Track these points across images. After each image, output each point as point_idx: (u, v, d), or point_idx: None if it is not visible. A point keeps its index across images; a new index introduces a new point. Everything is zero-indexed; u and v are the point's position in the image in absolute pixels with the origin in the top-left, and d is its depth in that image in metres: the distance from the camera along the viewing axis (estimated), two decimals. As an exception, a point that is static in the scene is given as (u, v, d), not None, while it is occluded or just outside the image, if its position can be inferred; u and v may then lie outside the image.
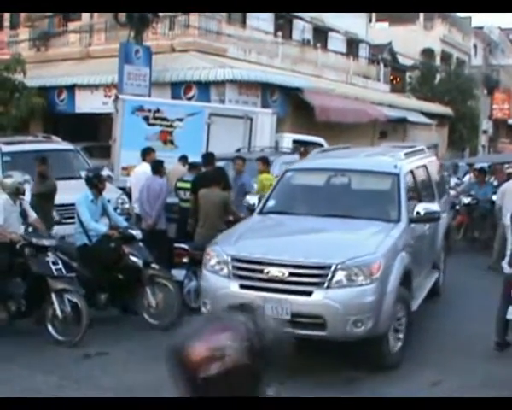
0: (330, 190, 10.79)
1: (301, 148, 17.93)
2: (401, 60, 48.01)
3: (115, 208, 12.86)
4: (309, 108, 27.33)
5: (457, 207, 18.37)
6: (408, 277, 8.99)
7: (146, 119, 19.15)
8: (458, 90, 46.21)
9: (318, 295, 8.01)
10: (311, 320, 8.09)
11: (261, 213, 10.31)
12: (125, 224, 11.35)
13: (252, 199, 11.01)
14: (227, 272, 8.54)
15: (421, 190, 11.25)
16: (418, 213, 9.63)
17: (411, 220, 9.57)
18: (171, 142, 19.11)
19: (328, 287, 8.01)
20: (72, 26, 31.48)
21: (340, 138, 24.76)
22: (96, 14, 30.29)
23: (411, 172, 10.72)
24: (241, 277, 8.49)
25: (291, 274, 8.16)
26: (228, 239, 9.38)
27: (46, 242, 9.86)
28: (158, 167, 13.14)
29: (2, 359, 8.67)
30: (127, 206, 14.52)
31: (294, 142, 20.45)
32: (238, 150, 17.38)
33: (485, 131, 55.67)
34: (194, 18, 27.42)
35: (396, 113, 35.65)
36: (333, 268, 8.05)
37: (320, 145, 20.13)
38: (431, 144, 24.97)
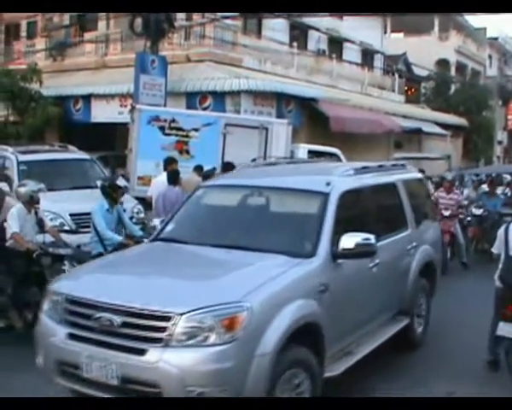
0: (242, 212, 8.73)
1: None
2: (416, 70, 47.93)
3: (130, 218, 12.86)
4: (324, 118, 27.30)
5: (469, 218, 17.91)
6: (313, 333, 6.87)
7: (162, 129, 19.18)
8: (473, 100, 46.06)
9: (153, 356, 6.00)
10: (143, 388, 6.11)
11: (155, 239, 8.50)
12: (140, 233, 11.37)
13: (156, 221, 9.51)
14: (58, 315, 6.79)
15: (379, 216, 8.97)
16: (346, 245, 7.33)
17: (336, 256, 7.36)
18: (187, 152, 19.13)
19: (166, 345, 6.00)
20: (88, 36, 31.66)
21: (355, 149, 24.81)
22: (112, 24, 30.44)
23: (356, 192, 8.57)
24: (71, 323, 6.64)
25: (124, 324, 6.23)
26: (75, 273, 8.09)
27: (62, 251, 9.91)
28: (174, 177, 13.22)
29: (17, 368, 8.70)
30: (142, 215, 14.54)
31: (310, 152, 20.36)
32: (253, 160, 17.37)
33: (500, 142, 55.53)
34: (209, 28, 27.50)
35: (411, 123, 35.52)
36: (174, 319, 6.01)
37: (335, 156, 20.08)
38: (444, 155, 24.88)
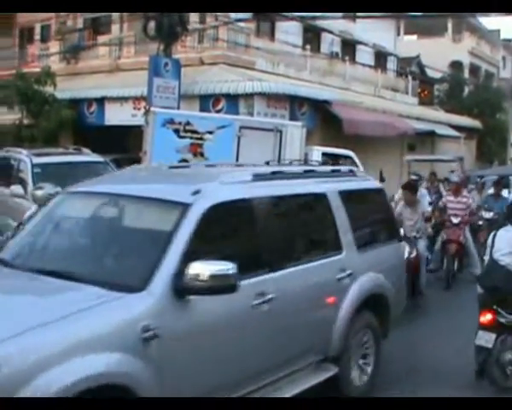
0: (90, 226, 7.11)
1: (330, 161, 17.92)
2: (429, 72, 47.85)
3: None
4: (337, 120, 27.29)
5: (480, 222, 17.10)
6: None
7: (176, 131, 19.18)
8: (487, 102, 45.92)
9: None
10: None
11: None
12: None
13: None
14: None
15: (285, 236, 7.20)
16: (196, 276, 5.49)
17: (181, 290, 5.58)
18: (202, 154, 19.13)
19: None
20: (101, 39, 31.77)
21: (368, 152, 24.78)
22: (125, 28, 30.54)
23: (242, 204, 6.66)
24: None
25: None
26: None
27: None
28: None
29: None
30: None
31: (324, 155, 20.32)
32: (267, 163, 17.36)
33: (513, 144, 55.23)
34: (222, 31, 27.53)
35: (424, 126, 35.45)
36: None
37: (350, 158, 19.99)
38: (456, 157, 24.65)
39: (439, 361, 9.35)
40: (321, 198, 7.72)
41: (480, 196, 19.87)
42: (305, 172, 8.12)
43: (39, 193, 10.33)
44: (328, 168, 9.36)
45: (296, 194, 7.53)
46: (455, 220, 14.94)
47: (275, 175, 7.37)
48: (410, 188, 14.06)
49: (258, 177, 7.02)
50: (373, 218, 9.01)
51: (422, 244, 13.57)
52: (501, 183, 18.74)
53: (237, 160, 18.72)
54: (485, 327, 8.02)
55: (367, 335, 8.02)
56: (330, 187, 7.88)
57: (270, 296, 6.39)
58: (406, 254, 11.28)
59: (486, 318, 8.06)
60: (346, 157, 19.85)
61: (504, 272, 8.20)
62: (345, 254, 7.72)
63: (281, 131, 19.94)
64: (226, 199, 6.45)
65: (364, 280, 7.88)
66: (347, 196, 8.00)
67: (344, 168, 9.35)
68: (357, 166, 19.73)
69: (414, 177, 18.87)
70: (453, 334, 10.77)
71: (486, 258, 8.59)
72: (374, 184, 9.52)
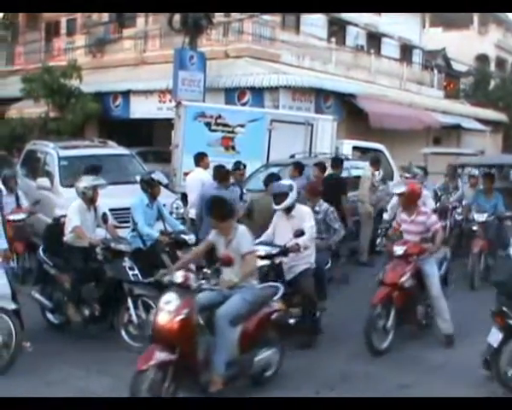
0: None
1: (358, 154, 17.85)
2: (455, 66, 47.51)
3: (170, 213, 12.83)
4: (363, 114, 27.20)
5: (474, 228, 13.95)
6: None
7: (208, 125, 19.25)
8: (513, 95, 45.53)
9: None
10: None
11: None
12: (181, 227, 11.45)
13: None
14: None
15: None
16: None
17: None
18: (233, 148, 19.19)
19: None
20: (127, 32, 31.86)
21: (394, 145, 24.63)
22: (150, 21, 30.59)
23: None
24: None
25: None
26: None
27: (123, 247, 9.92)
28: (223, 174, 12.27)
29: (74, 363, 8.80)
30: (182, 210, 14.55)
31: (354, 148, 20.20)
32: (292, 156, 17.35)
33: (540, 138, 54.72)
34: (247, 24, 27.50)
35: (450, 119, 35.24)
36: None
37: (380, 152, 19.77)
38: (478, 151, 24.25)
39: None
40: None
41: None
42: None
43: (77, 186, 10.39)
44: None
45: None
46: (398, 251, 9.82)
47: None
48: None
49: None
50: None
51: None
52: (493, 175, 15.33)
53: (268, 153, 18.80)
54: (498, 326, 8.02)
55: None
56: None
57: None
58: None
59: (499, 318, 8.03)
60: (377, 151, 19.62)
61: None
62: None
63: (312, 125, 19.97)
64: None
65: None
66: None
67: None
68: (387, 159, 19.64)
69: (407, 175, 15.16)
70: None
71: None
72: None
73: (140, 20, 31.11)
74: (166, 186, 14.54)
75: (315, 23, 30.47)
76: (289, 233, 9.62)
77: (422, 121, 31.42)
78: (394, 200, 13.03)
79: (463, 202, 15.73)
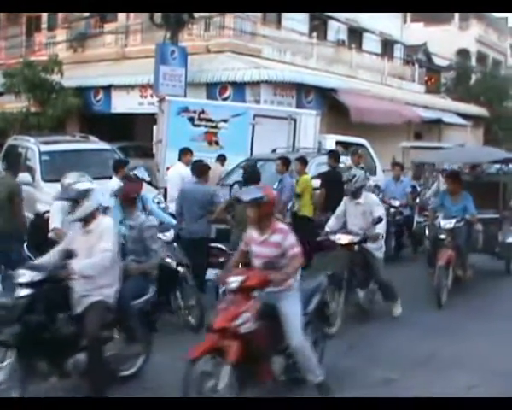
0: None
1: (341, 149, 17.89)
2: (436, 60, 47.70)
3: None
4: (344, 108, 27.28)
5: (442, 236, 12.00)
6: None
7: (191, 120, 19.29)
8: (494, 90, 45.71)
9: None
10: None
11: None
12: (169, 219, 11.48)
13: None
14: None
15: None
16: None
17: None
18: (217, 142, 19.23)
19: None
20: (108, 27, 31.79)
21: (375, 139, 24.71)
22: (132, 16, 30.54)
23: None
24: None
25: None
26: None
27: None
28: (201, 169, 12.00)
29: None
30: (163, 205, 14.53)
31: (337, 143, 20.26)
32: (274, 151, 17.41)
33: (521, 132, 55.03)
34: (229, 19, 27.49)
35: (431, 114, 35.41)
36: None
37: (363, 147, 19.80)
38: (456, 145, 24.30)
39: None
40: None
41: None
42: None
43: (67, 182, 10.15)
44: None
45: None
46: (233, 283, 6.83)
47: None
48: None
49: None
50: None
51: None
52: (457, 174, 13.35)
53: (251, 148, 18.83)
54: None
55: None
56: None
57: None
58: None
59: None
60: (360, 145, 19.67)
61: None
62: None
63: (295, 120, 19.99)
64: None
65: None
66: None
67: None
68: (370, 154, 19.74)
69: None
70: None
71: None
72: None
73: (121, 14, 31.02)
74: (150, 183, 14.48)
75: (296, 18, 30.51)
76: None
77: (403, 116, 31.53)
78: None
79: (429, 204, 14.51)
